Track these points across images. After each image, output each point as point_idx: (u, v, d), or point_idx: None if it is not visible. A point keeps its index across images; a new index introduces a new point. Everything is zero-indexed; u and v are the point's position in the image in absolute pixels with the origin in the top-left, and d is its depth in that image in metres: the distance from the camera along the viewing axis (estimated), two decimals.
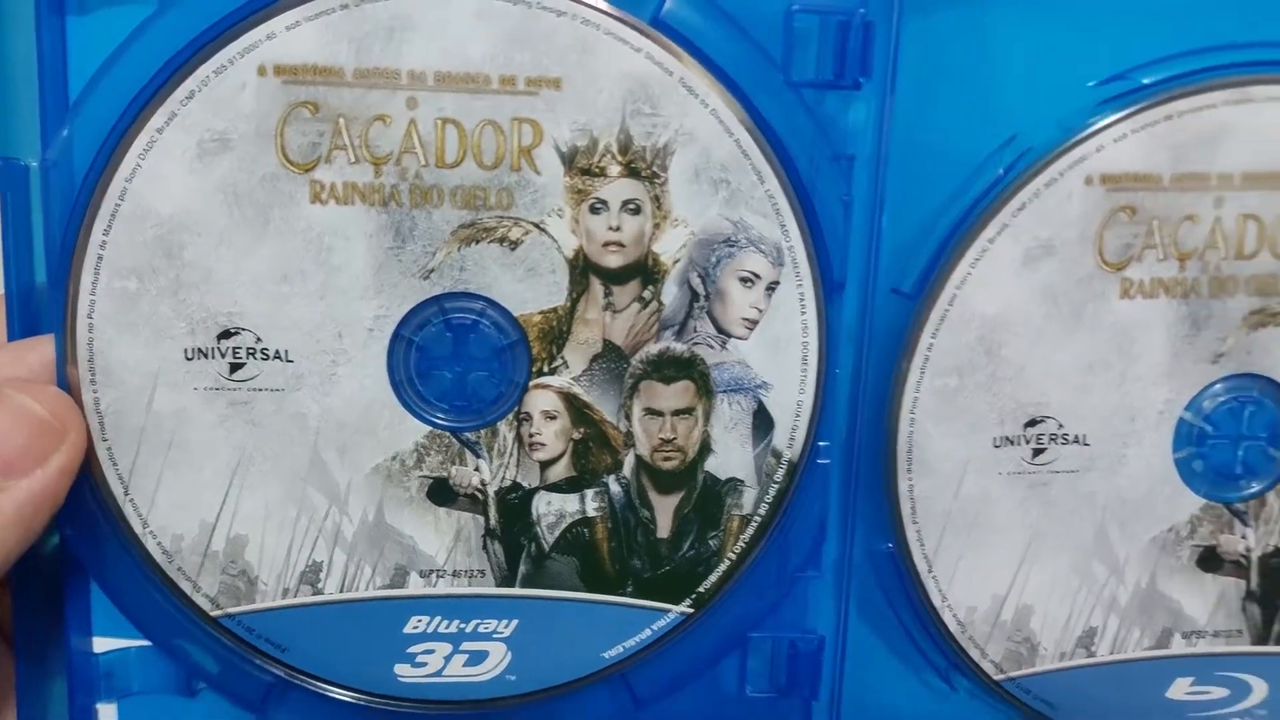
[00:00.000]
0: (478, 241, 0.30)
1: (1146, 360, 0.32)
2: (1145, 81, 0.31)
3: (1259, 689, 0.34)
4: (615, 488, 0.32)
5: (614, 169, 0.30)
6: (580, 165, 0.30)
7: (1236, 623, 0.34)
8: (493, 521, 0.32)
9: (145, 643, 0.31)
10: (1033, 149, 0.31)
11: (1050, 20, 0.31)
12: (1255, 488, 0.33)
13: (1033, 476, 0.33)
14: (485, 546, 0.32)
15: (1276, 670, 0.34)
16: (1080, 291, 0.31)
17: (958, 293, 0.31)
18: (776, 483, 0.32)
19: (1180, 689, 0.34)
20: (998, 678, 0.34)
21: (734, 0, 0.30)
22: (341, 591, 0.31)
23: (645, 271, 0.31)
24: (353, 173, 0.29)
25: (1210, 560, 0.33)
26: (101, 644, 0.31)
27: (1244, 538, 0.33)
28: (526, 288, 0.30)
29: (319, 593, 0.31)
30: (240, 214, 0.29)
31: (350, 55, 0.28)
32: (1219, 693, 0.34)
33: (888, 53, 0.30)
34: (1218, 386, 0.32)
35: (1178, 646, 0.34)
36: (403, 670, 0.32)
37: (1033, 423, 0.32)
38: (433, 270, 0.30)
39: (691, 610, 0.32)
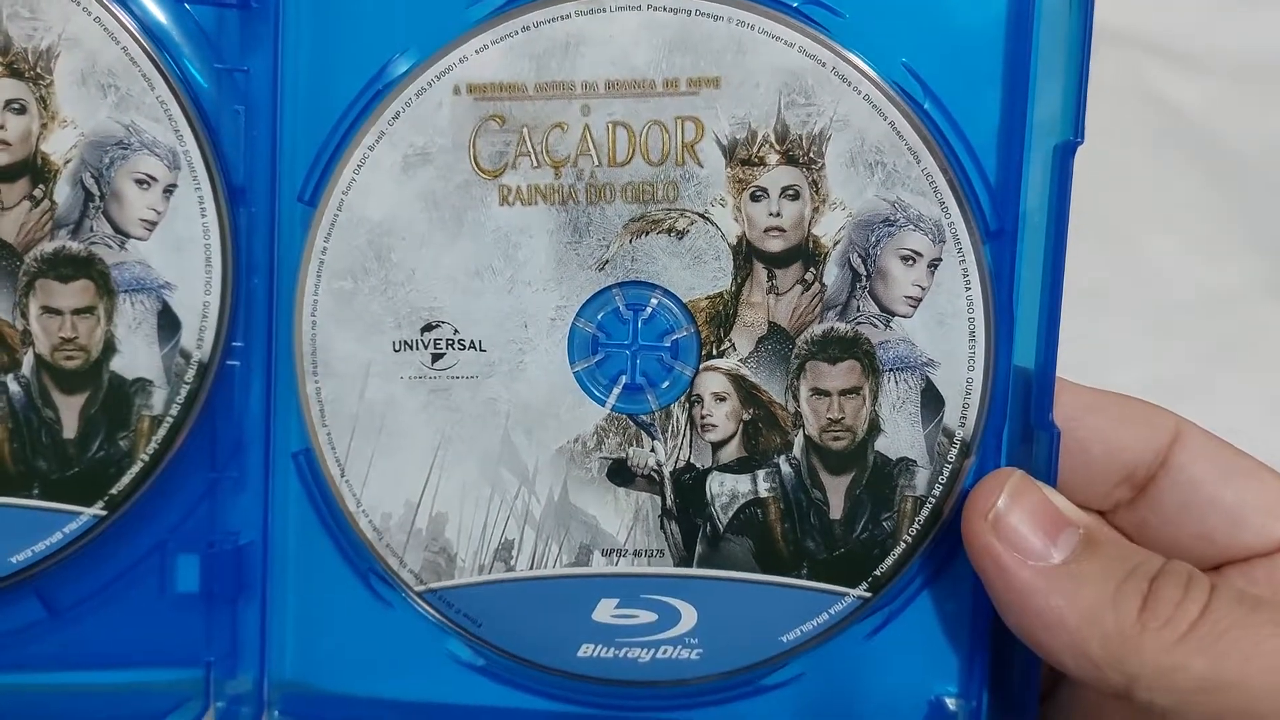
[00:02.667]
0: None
1: (532, 266, 0.33)
2: None
3: (688, 615, 0.34)
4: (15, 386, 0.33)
5: None
6: None
7: (657, 542, 0.34)
8: None
9: None
10: (409, 64, 0.33)
11: None
12: (657, 399, 0.34)
13: (434, 381, 0.33)
14: None
15: (703, 595, 0.34)
16: (460, 198, 0.33)
17: (345, 198, 0.33)
18: (187, 383, 0.33)
19: (606, 611, 0.34)
20: (418, 589, 0.34)
21: None
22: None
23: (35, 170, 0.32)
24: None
25: (621, 474, 0.34)
26: None
27: (653, 451, 0.34)
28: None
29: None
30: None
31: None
32: (647, 617, 0.34)
33: None
34: (607, 293, 0.33)
35: (599, 565, 0.34)
36: None
37: (429, 327, 0.33)
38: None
39: (105, 513, 0.33)
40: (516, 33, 0.32)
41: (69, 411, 0.33)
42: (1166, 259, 0.46)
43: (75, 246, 0.33)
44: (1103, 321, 0.36)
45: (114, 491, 0.33)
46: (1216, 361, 0.46)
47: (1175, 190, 0.47)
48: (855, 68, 0.32)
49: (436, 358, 0.33)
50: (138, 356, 0.33)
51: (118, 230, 0.33)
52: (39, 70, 0.32)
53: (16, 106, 0.32)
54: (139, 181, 0.33)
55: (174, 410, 0.33)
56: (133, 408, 0.33)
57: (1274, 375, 0.45)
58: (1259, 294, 0.48)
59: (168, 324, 0.33)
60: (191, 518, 0.34)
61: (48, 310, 0.33)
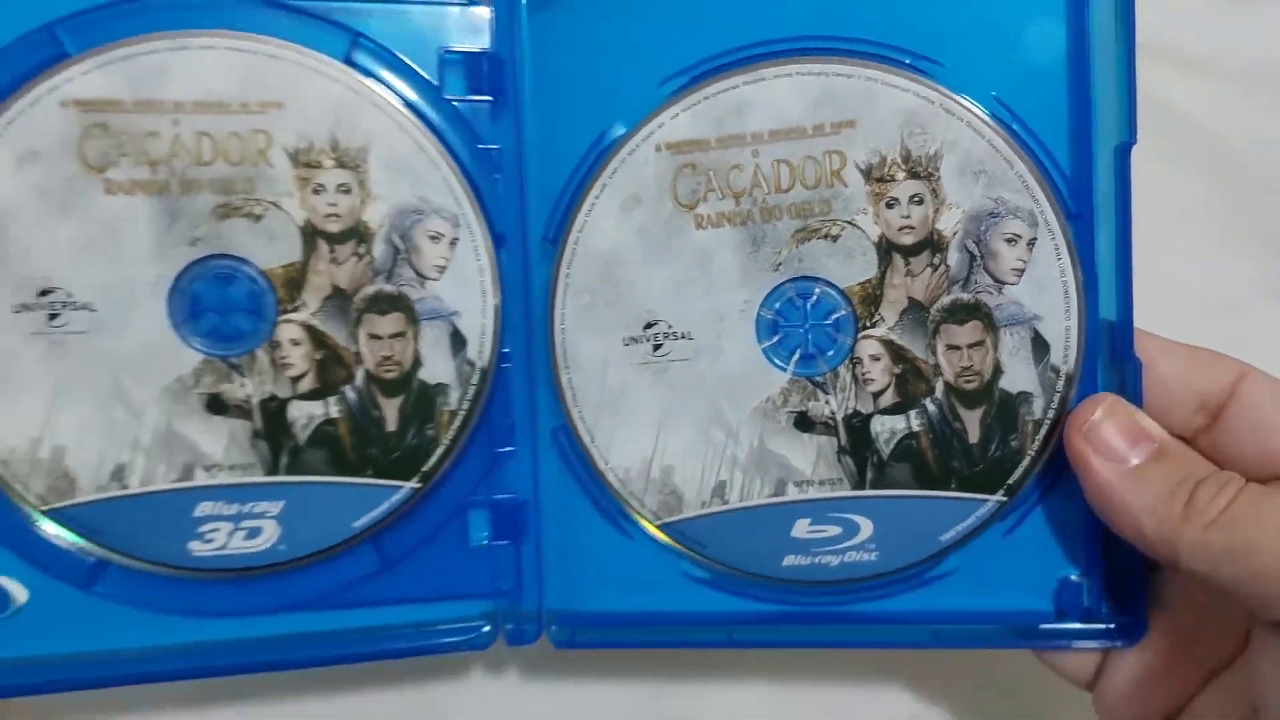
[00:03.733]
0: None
1: (724, 274, 0.44)
2: (695, 75, 0.44)
3: (865, 527, 0.44)
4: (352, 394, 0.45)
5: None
6: None
7: (836, 472, 0.44)
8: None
9: None
10: (621, 131, 0.44)
11: (622, 38, 0.44)
12: (826, 363, 0.44)
13: (656, 365, 0.44)
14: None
15: (876, 510, 0.44)
16: (665, 229, 0.44)
17: (580, 236, 0.44)
18: (473, 384, 0.45)
19: (802, 528, 0.45)
20: (656, 523, 0.45)
21: (400, 43, 0.44)
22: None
23: (359, 234, 0.44)
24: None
25: (804, 423, 0.44)
26: None
27: (827, 403, 0.44)
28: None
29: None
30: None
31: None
32: (833, 530, 0.44)
33: (514, 75, 0.44)
34: (781, 287, 0.44)
35: (792, 493, 0.45)
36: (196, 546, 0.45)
37: (649, 325, 0.44)
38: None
39: (419, 485, 0.45)
40: (699, 102, 0.43)
41: (391, 411, 0.45)
42: (1169, 259, 0.50)
43: (389, 288, 0.44)
44: None
45: (425, 468, 0.45)
46: None
47: (1178, 191, 0.51)
48: (958, 103, 0.42)
49: (656, 348, 0.44)
50: (438, 367, 0.45)
51: (418, 274, 0.44)
52: (357, 161, 0.44)
53: (345, 188, 0.44)
54: (432, 237, 0.44)
55: (465, 405, 0.45)
56: (435, 407, 0.45)
57: (1275, 374, 0.46)
58: (1261, 295, 0.52)
59: (457, 342, 0.44)
60: (482, 484, 0.45)
61: (372, 336, 0.44)
